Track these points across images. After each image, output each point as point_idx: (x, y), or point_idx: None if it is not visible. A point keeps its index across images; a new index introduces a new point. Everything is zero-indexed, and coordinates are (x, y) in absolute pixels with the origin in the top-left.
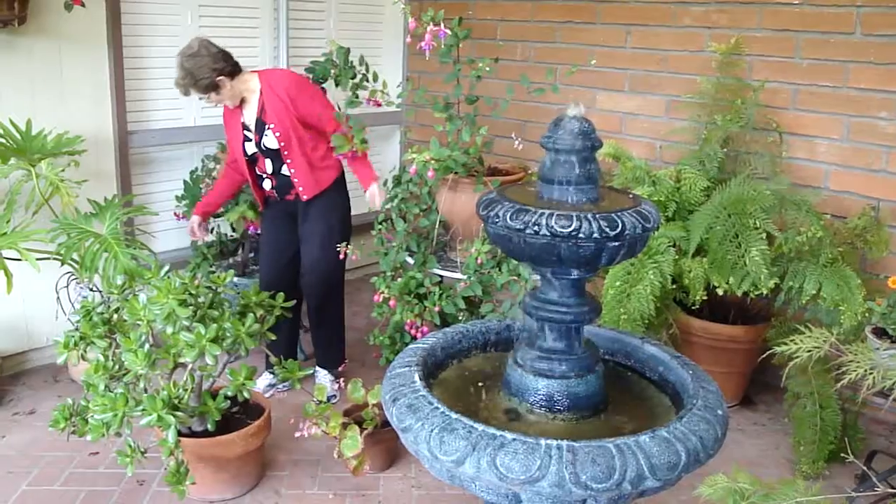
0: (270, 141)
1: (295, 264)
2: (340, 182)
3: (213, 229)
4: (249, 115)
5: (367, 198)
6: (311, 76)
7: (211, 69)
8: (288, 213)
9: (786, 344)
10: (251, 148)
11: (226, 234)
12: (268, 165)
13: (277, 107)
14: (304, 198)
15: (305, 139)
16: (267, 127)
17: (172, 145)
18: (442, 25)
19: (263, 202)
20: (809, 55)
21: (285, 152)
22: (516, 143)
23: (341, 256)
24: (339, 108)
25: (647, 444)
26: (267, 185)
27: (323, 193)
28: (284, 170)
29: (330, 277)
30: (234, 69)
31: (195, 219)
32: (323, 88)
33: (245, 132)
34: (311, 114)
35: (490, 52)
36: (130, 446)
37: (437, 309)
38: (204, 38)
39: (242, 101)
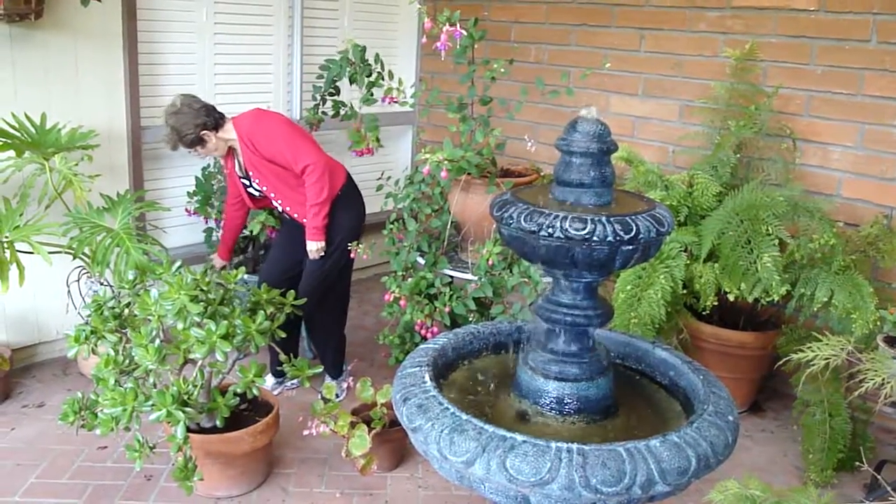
0: (256, 186)
1: (297, 270)
2: (342, 199)
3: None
4: (239, 164)
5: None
6: (324, 74)
7: (194, 125)
8: (300, 225)
9: (802, 351)
10: (253, 190)
11: None
12: (272, 202)
13: (248, 155)
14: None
15: (286, 177)
16: (250, 175)
17: None
18: (458, 26)
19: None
20: (824, 62)
21: (272, 194)
22: (529, 144)
23: (352, 255)
24: (352, 108)
25: (657, 449)
26: (277, 210)
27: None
28: (276, 202)
29: (324, 289)
30: (217, 122)
31: (219, 262)
32: (337, 112)
33: (242, 180)
34: (276, 154)
35: (504, 54)
36: (139, 441)
37: (447, 310)
38: (187, 94)
39: (232, 150)
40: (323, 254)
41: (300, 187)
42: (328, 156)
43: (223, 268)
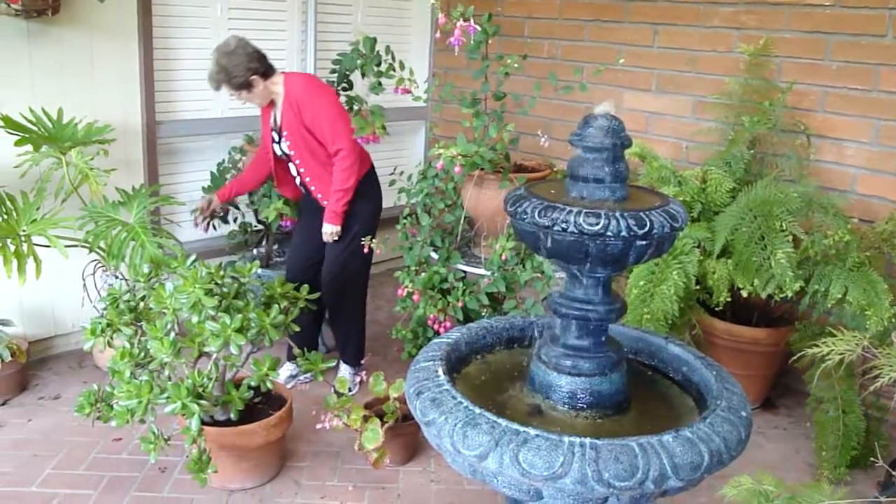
0: (286, 147)
1: (319, 258)
2: (364, 186)
3: (236, 219)
4: (275, 119)
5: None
6: (336, 69)
7: (246, 68)
8: (318, 209)
9: (817, 346)
10: (277, 149)
11: (251, 225)
12: (290, 167)
13: (289, 115)
14: (323, 204)
15: (318, 151)
16: (283, 133)
17: (200, 136)
18: (472, 21)
19: (297, 196)
20: (839, 57)
21: (297, 161)
22: (542, 140)
23: (365, 250)
24: (359, 97)
25: (670, 444)
26: (297, 181)
27: None
28: (299, 170)
29: (345, 278)
30: (267, 70)
31: (216, 201)
32: (351, 107)
33: (273, 132)
34: (315, 127)
35: (517, 49)
36: (154, 433)
37: (460, 304)
38: (241, 37)
39: (273, 103)
40: (336, 238)
41: (327, 166)
42: (360, 145)
43: (213, 213)
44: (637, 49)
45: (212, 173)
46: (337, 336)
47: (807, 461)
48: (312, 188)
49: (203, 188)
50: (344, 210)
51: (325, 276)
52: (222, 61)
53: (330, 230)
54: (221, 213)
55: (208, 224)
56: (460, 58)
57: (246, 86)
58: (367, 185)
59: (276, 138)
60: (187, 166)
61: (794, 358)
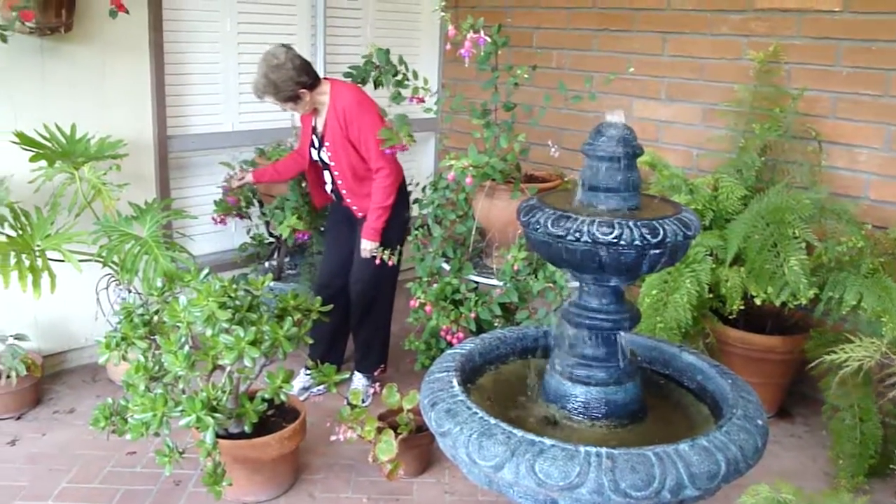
0: (325, 156)
1: (349, 266)
2: (398, 196)
3: (249, 230)
4: (318, 125)
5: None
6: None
7: (295, 82)
8: (347, 218)
9: (835, 353)
10: (314, 154)
11: (262, 237)
12: (326, 175)
13: (333, 125)
14: (358, 215)
15: (358, 165)
16: (324, 142)
17: (210, 150)
18: (482, 33)
19: (322, 202)
20: (850, 63)
21: (336, 172)
22: (552, 150)
23: (390, 263)
24: (385, 112)
25: (686, 453)
26: (328, 188)
27: None
28: (337, 182)
29: (375, 286)
30: (314, 82)
31: (249, 177)
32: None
33: (314, 137)
34: (361, 142)
35: (526, 60)
36: (169, 446)
37: (472, 315)
38: (288, 47)
39: (316, 110)
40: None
41: (365, 179)
42: (398, 162)
43: (243, 185)
44: (646, 58)
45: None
46: (359, 343)
47: (823, 470)
48: (348, 200)
49: (214, 202)
50: (382, 227)
51: (355, 284)
52: (271, 75)
53: (369, 246)
54: (244, 204)
55: (232, 212)
56: (469, 69)
57: (293, 99)
58: (400, 197)
59: (316, 144)
60: (198, 180)
61: (812, 365)
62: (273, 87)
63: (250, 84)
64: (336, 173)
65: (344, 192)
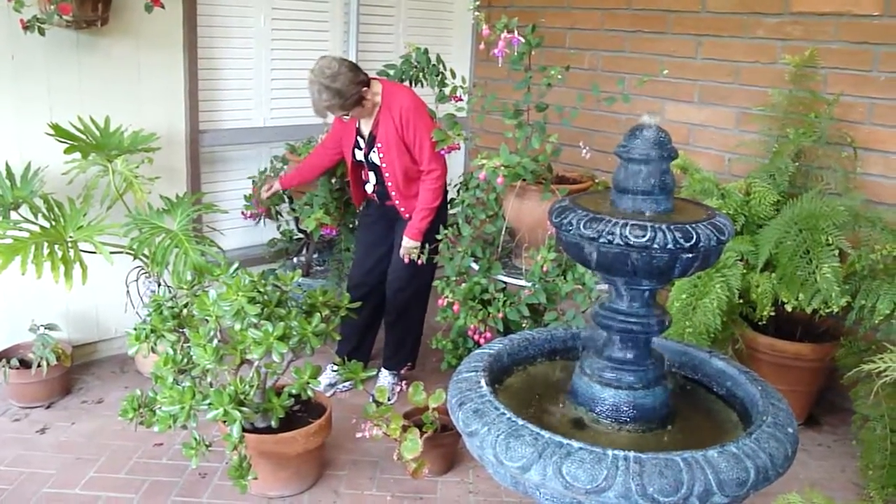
0: (375, 157)
1: (384, 265)
2: (440, 204)
3: (279, 227)
4: (365, 126)
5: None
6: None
7: (356, 84)
8: (386, 217)
9: (873, 362)
10: (360, 155)
11: (292, 233)
12: (371, 176)
13: (388, 126)
14: (406, 217)
15: (410, 167)
16: (376, 143)
17: (242, 145)
18: (516, 33)
19: (362, 201)
20: (888, 68)
21: (387, 174)
22: (584, 151)
23: (419, 263)
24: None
25: (715, 460)
26: (369, 188)
27: None
28: (386, 184)
29: (413, 286)
30: (367, 79)
31: (277, 185)
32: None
33: (358, 138)
34: (414, 144)
35: (559, 61)
36: (196, 439)
37: (500, 315)
38: (332, 55)
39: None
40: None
41: (414, 180)
42: (446, 165)
43: (273, 195)
44: (679, 60)
45: (253, 181)
46: (391, 340)
47: (852, 480)
48: (396, 201)
49: (245, 196)
50: (427, 228)
51: (392, 283)
52: (334, 86)
53: (412, 245)
54: (277, 205)
55: (260, 217)
56: (501, 68)
57: (359, 102)
58: (444, 199)
59: (362, 145)
60: (229, 175)
61: (849, 374)
62: (338, 96)
63: (281, 80)
64: (387, 175)
65: (393, 193)
